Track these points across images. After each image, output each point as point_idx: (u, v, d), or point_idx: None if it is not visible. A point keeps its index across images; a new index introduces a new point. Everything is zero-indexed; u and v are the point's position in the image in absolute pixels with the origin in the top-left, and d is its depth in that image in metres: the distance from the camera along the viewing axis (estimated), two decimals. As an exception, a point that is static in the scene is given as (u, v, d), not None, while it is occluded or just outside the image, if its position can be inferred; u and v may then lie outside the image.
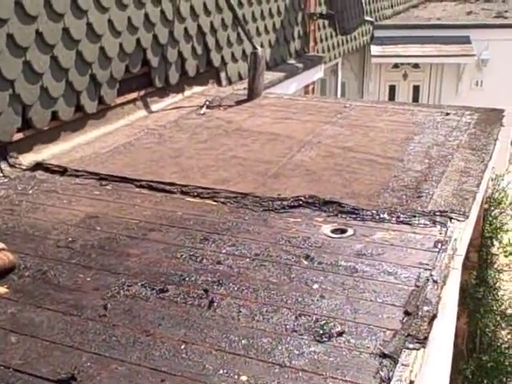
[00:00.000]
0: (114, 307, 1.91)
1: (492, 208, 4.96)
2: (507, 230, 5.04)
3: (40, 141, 3.34)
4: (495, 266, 5.06)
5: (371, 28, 9.23)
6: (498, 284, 5.07)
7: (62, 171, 3.09)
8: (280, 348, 1.69)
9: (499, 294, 5.14)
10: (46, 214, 2.62)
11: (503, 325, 5.22)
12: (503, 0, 12.86)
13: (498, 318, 5.13)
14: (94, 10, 3.50)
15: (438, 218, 2.45)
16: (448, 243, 2.26)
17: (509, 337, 5.35)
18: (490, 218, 4.90)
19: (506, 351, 5.19)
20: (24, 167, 3.13)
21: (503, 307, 5.19)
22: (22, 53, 3.08)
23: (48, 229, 2.47)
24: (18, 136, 3.19)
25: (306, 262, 2.16)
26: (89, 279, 2.09)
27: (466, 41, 9.54)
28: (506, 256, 5.14)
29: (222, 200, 2.71)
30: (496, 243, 5.01)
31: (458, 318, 4.57)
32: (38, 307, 1.93)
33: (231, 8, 4.68)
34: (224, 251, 2.26)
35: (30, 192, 2.85)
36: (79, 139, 3.55)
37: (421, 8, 11.96)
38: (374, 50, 9.43)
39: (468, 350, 5.18)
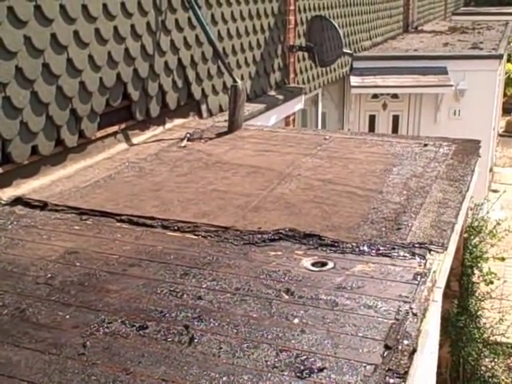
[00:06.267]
0: (94, 345, 1.90)
1: (472, 237, 5.00)
2: (487, 259, 5.09)
3: (19, 175, 3.33)
4: (476, 294, 5.09)
5: (350, 59, 9.36)
6: (479, 312, 5.10)
7: (42, 206, 3.07)
8: (261, 385, 1.69)
9: (481, 322, 5.16)
10: (25, 249, 2.60)
11: (486, 353, 5.23)
12: (478, 31, 13.13)
13: (481, 347, 5.15)
14: (74, 45, 3.53)
15: (417, 250, 2.47)
16: (427, 275, 2.27)
17: (492, 365, 5.36)
18: (470, 247, 4.95)
19: (490, 380, 5.19)
20: (3, 202, 3.12)
21: (485, 335, 5.21)
22: (1, 88, 3.09)
23: (27, 265, 2.45)
24: (-3, 171, 3.18)
25: (286, 296, 2.16)
26: (68, 317, 2.07)
27: (443, 71, 9.70)
28: (486, 284, 5.17)
29: (203, 234, 2.71)
30: (476, 272, 5.04)
31: (441, 347, 4.58)
32: (16, 346, 1.90)
33: (211, 42, 4.73)
34: (204, 286, 2.26)
35: (10, 227, 2.83)
36: (59, 173, 3.54)
37: (398, 39, 12.16)
38: (354, 80, 9.54)
39: (452, 378, 5.18)
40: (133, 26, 4.05)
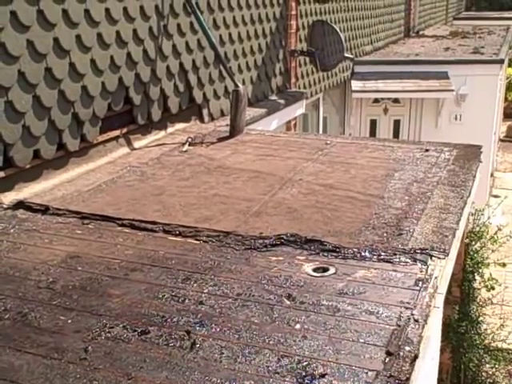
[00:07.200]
0: (95, 350, 1.90)
1: (473, 243, 5.00)
2: (488, 265, 5.09)
3: (21, 179, 3.34)
4: (477, 300, 5.09)
5: (351, 64, 9.37)
6: (480, 318, 5.10)
7: (44, 210, 3.07)
8: (262, 390, 1.69)
9: (482, 328, 5.16)
10: (27, 253, 2.60)
11: (487, 359, 5.23)
12: (479, 36, 13.14)
13: (482, 353, 5.14)
14: (76, 49, 3.53)
15: (418, 256, 2.47)
16: (429, 281, 2.27)
17: (493, 371, 5.35)
18: (472, 253, 4.95)
19: (490, 386, 5.18)
20: (5, 206, 3.12)
21: (486, 341, 5.20)
22: (3, 93, 3.09)
23: (29, 269, 2.45)
24: (-1, 175, 3.19)
25: (288, 302, 2.16)
26: (70, 321, 2.07)
27: (444, 76, 9.70)
28: (487, 290, 5.17)
29: (204, 239, 2.71)
30: (478, 277, 5.04)
31: (442, 353, 4.57)
32: (18, 351, 1.90)
33: (213, 46, 4.74)
34: (206, 291, 2.26)
35: (11, 231, 2.83)
36: (61, 177, 3.55)
37: (400, 44, 12.17)
38: (355, 85, 9.55)
39: (452, 384, 5.17)
40: (135, 31, 4.05)
